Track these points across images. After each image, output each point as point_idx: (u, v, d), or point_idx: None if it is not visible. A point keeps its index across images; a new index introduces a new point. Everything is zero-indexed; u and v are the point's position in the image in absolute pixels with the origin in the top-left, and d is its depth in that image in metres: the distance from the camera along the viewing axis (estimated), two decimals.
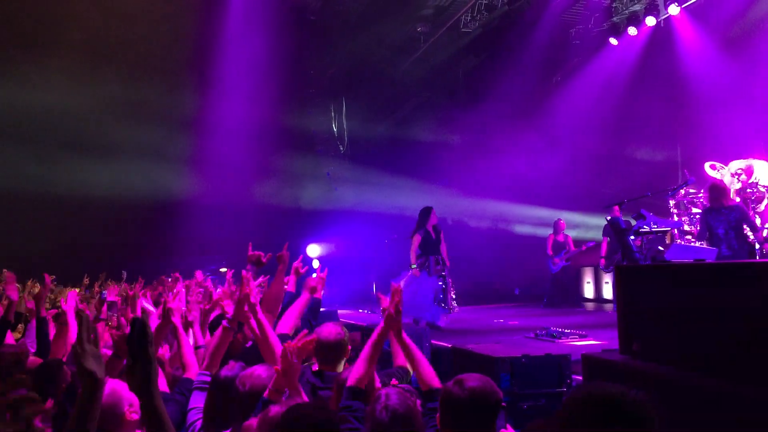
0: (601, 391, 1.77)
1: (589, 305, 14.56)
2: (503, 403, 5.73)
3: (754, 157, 10.98)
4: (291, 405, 2.24)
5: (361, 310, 12.86)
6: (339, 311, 10.70)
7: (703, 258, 5.98)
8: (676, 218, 11.07)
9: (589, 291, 15.33)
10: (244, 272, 4.56)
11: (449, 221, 16.65)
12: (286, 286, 5.02)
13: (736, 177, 10.76)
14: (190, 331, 4.28)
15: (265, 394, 2.89)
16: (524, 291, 16.06)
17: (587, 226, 15.18)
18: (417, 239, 10.00)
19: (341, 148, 16.86)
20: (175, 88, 13.82)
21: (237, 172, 14.80)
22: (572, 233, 14.63)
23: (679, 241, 10.42)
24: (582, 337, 7.93)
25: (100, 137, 13.79)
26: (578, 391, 1.83)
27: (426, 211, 10.36)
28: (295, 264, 5.01)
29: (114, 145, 13.87)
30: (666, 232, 9.50)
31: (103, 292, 6.15)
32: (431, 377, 3.12)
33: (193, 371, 3.56)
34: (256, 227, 13.52)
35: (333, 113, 16.64)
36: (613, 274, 13.35)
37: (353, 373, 3.13)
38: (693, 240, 10.12)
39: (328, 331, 3.71)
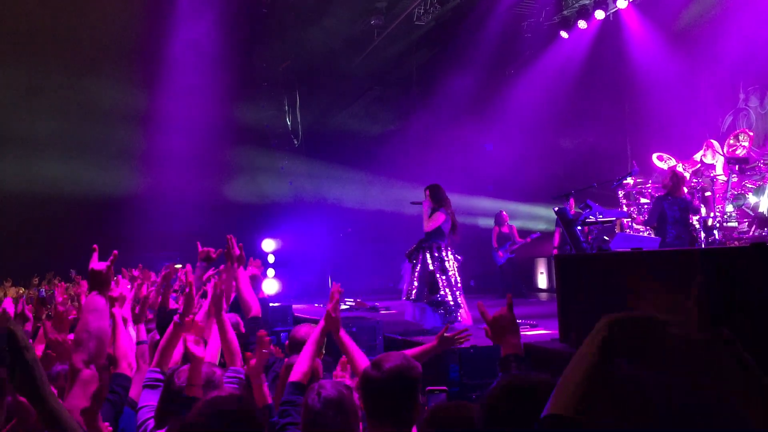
0: (523, 381, 1.81)
1: (543, 295, 14.76)
2: (453, 391, 5.72)
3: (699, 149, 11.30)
4: (208, 398, 2.23)
5: (317, 304, 12.74)
6: (294, 305, 10.59)
7: (642, 247, 6.16)
8: (625, 208, 11.25)
9: (542, 281, 15.56)
10: (189, 266, 4.65)
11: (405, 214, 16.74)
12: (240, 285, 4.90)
13: (685, 169, 11.09)
14: (136, 326, 4.18)
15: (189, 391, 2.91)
16: (480, 283, 16.22)
17: (539, 217, 15.37)
18: (440, 217, 8.25)
19: (296, 142, 16.78)
20: (122, 81, 13.55)
21: (190, 167, 14.60)
22: (522, 224, 14.97)
23: (628, 230, 10.60)
24: (532, 327, 7.98)
25: (43, 132, 13.58)
26: (501, 381, 1.87)
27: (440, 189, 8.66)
28: (237, 251, 4.64)
29: (57, 140, 13.64)
30: (611, 221, 9.57)
31: (41, 290, 6.02)
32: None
33: (125, 366, 3.52)
34: (211, 222, 13.37)
35: (287, 107, 16.53)
36: (552, 264, 13.56)
37: (296, 368, 3.20)
38: (641, 230, 10.33)
39: (305, 331, 3.82)
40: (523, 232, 14.51)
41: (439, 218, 8.29)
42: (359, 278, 13.90)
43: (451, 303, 8.07)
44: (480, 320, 8.49)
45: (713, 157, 11.05)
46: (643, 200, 11.25)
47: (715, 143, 11.11)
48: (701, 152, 11.15)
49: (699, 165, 11.21)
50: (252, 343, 3.96)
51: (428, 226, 8.27)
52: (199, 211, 14.28)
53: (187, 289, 3.70)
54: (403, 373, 2.74)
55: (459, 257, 8.50)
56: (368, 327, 7.60)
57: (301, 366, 3.20)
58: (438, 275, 8.12)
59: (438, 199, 8.37)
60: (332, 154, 16.56)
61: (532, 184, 15.31)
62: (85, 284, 6.13)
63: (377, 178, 16.27)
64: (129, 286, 4.95)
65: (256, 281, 6.05)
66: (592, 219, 8.61)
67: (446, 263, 8.19)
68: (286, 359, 3.74)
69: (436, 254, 8.21)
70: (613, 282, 4.80)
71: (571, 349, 4.82)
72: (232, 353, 3.56)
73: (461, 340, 3.87)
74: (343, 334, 3.44)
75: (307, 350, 3.28)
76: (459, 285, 8.20)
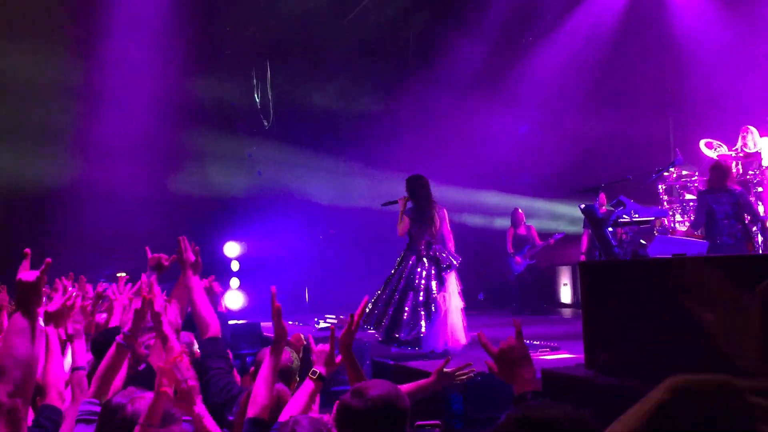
0: (539, 414, 1.80)
1: (567, 312, 14.86)
2: (456, 427, 5.95)
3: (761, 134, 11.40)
4: None
5: (291, 322, 12.91)
6: (263, 323, 10.70)
7: (686, 252, 6.34)
8: (666, 205, 11.39)
9: (566, 294, 15.61)
10: (144, 276, 4.64)
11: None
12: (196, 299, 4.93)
13: (737, 161, 11.13)
14: (69, 348, 4.16)
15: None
16: (490, 296, 16.42)
17: (561, 216, 15.51)
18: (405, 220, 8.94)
19: (266, 124, 16.75)
20: (52, 52, 13.42)
21: (137, 153, 14.51)
22: (542, 225, 15.12)
23: (671, 233, 10.71)
24: (554, 350, 8.08)
25: None
26: (513, 414, 1.86)
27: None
28: (191, 256, 4.75)
29: None
30: (649, 222, 9.75)
31: None
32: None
33: (54, 396, 3.51)
34: (162, 222, 13.54)
35: (255, 81, 16.51)
36: (577, 273, 13.70)
37: (252, 401, 3.21)
38: (685, 231, 10.38)
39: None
40: (544, 235, 14.63)
41: (405, 221, 8.87)
42: (344, 290, 13.84)
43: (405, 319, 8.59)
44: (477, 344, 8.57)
45: (755, 145, 11.15)
46: (688, 196, 11.37)
47: (753, 129, 11.22)
48: (739, 142, 11.27)
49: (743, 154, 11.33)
50: (212, 369, 4.04)
51: (399, 228, 8.93)
52: (147, 208, 14.29)
53: (139, 303, 3.76)
54: (390, 404, 2.73)
55: (455, 261, 8.86)
56: (355, 348, 7.77)
57: (258, 397, 3.21)
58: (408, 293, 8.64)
59: (415, 196, 8.92)
60: (311, 139, 16.59)
61: (553, 176, 15.50)
62: (5, 296, 6.20)
63: (365, 169, 16.39)
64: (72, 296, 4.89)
65: (212, 294, 6.07)
66: (626, 219, 8.79)
67: (415, 280, 8.69)
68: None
69: (410, 264, 8.76)
70: (651, 296, 4.87)
71: (598, 376, 4.93)
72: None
73: (463, 376, 4.07)
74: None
75: (263, 379, 3.29)
76: (436, 298, 8.61)
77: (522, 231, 14.44)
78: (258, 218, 16.10)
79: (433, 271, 8.74)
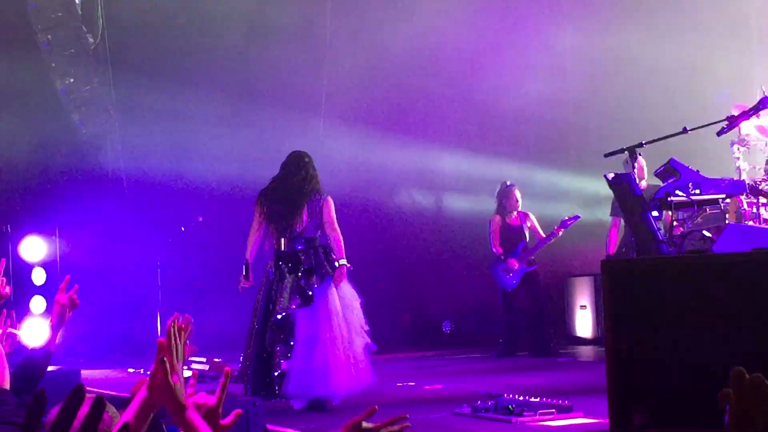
0: None
1: (585, 350, 15.07)
2: None
3: None
4: None
5: (131, 370, 13.17)
6: (84, 370, 10.90)
7: None
8: (744, 177, 10.79)
9: (584, 323, 15.53)
10: None
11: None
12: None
13: None
14: None
15: None
16: (460, 326, 16.65)
17: (575, 196, 16.08)
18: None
19: (91, 41, 15.82)
20: None
21: None
22: (545, 210, 15.26)
23: (750, 221, 10.13)
24: (563, 411, 8.12)
25: None
26: None
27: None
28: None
29: None
30: (718, 201, 9.33)
31: None
32: None
33: None
34: None
35: None
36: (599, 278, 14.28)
37: None
38: None
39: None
40: (549, 224, 14.44)
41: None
42: (217, 317, 13.71)
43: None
44: (457, 399, 9.22)
45: None
46: None
47: None
48: None
49: None
50: None
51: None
52: None
53: None
54: None
55: (341, 268, 9.46)
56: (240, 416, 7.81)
57: None
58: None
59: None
60: (163, 67, 16.22)
61: (563, 133, 16.20)
62: None
63: (278, 113, 16.53)
64: None
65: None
66: (680, 196, 8.72)
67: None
68: None
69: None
70: (723, 315, 5.02)
71: None
72: None
73: None
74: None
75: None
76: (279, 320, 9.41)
77: (514, 220, 14.23)
78: (79, 198, 15.47)
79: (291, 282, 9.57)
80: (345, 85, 17.28)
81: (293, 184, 9.64)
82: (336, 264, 9.31)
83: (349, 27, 17.26)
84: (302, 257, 9.39)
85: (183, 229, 14.66)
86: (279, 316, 9.20)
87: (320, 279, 9.26)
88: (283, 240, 9.47)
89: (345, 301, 9.30)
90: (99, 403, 1.98)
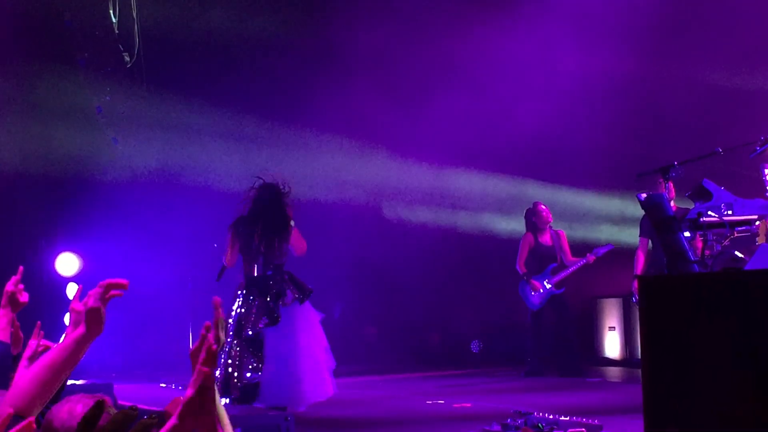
0: None
1: (614, 371, 14.95)
2: None
3: None
4: None
5: (163, 384, 13.30)
6: (116, 384, 11.00)
7: None
8: None
9: (613, 344, 15.55)
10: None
11: (339, 201, 17.55)
12: None
13: None
14: None
15: None
16: (489, 346, 16.61)
17: (607, 217, 16.01)
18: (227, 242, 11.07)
19: (127, 60, 15.73)
20: None
21: None
22: (576, 232, 15.38)
23: None
24: (592, 430, 8.10)
25: None
26: None
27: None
28: (8, 287, 5.14)
29: None
30: (750, 222, 9.02)
31: None
32: None
33: None
34: None
35: None
36: (630, 310, 14.69)
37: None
38: None
39: (69, 410, 3.62)
40: (582, 248, 14.49)
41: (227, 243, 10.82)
42: None
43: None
44: (487, 417, 9.18)
45: None
46: None
47: None
48: None
49: None
50: None
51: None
52: None
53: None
54: None
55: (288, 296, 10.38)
56: (266, 426, 8.06)
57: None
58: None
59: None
60: (200, 86, 16.42)
61: (594, 154, 15.84)
62: None
63: (294, 133, 16.77)
64: None
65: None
66: (713, 217, 8.56)
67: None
68: None
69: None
70: (759, 330, 5.03)
71: None
72: None
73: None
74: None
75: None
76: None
77: (545, 239, 14.23)
78: (112, 214, 15.64)
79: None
80: (365, 106, 17.02)
81: (271, 223, 10.50)
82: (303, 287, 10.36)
83: (369, 45, 16.98)
84: (271, 282, 10.29)
85: (215, 246, 14.44)
86: (250, 332, 10.08)
87: (286, 301, 10.18)
88: (255, 266, 10.44)
89: (309, 320, 10.31)
90: (99, 405, 2.15)
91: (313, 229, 15.05)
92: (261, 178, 10.78)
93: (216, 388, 3.35)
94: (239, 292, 10.58)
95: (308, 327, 10.37)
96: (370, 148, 17.72)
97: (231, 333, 10.31)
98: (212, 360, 3.24)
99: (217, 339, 3.30)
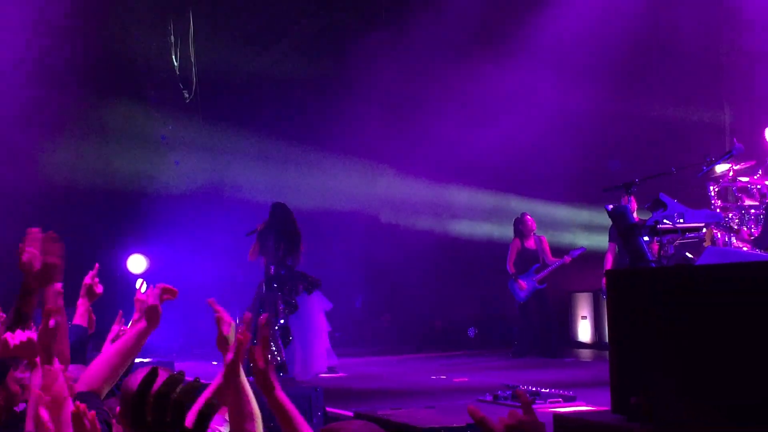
0: None
1: (585, 353, 15.16)
2: None
3: None
4: None
5: (215, 363, 12.97)
6: (177, 363, 11.18)
7: None
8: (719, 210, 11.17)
9: (585, 331, 15.78)
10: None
11: (356, 213, 17.74)
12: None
13: None
14: None
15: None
16: (486, 332, 16.69)
17: (579, 225, 16.01)
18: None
19: (186, 96, 16.64)
20: None
21: (6, 134, 14.42)
22: (554, 237, 15.45)
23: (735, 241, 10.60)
24: (568, 400, 8.33)
25: None
26: None
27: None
28: (86, 280, 5.36)
29: None
30: (699, 229, 9.62)
31: None
32: None
33: None
34: (42, 224, 13.19)
35: (173, 38, 16.43)
36: (599, 303, 14.74)
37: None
38: (743, 245, 10.33)
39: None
40: (559, 251, 14.80)
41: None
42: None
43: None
44: (481, 390, 9.84)
45: None
46: (748, 202, 11.07)
47: None
48: None
49: None
50: None
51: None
52: (21, 205, 14.22)
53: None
54: None
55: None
56: (299, 396, 8.04)
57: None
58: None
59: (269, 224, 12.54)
60: (246, 117, 16.60)
61: (569, 172, 15.83)
62: None
63: (321, 155, 16.86)
64: None
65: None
66: (667, 225, 8.82)
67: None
68: None
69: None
70: (708, 316, 4.97)
71: (629, 423, 5.06)
72: None
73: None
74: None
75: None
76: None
77: (530, 244, 14.64)
78: (174, 222, 16.13)
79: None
80: (374, 132, 17.37)
81: (288, 235, 12.29)
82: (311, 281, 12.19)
83: (377, 81, 17.05)
84: (286, 279, 12.06)
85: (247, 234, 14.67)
86: (282, 321, 11.86)
87: (299, 292, 12.06)
88: (272, 267, 12.14)
89: (314, 308, 12.19)
90: (153, 371, 2.19)
91: (331, 236, 15.94)
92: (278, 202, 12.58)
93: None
94: (261, 286, 12.18)
95: (314, 313, 12.14)
96: (379, 167, 18.15)
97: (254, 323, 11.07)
98: (242, 356, 3.78)
99: (264, 357, 3.70)
